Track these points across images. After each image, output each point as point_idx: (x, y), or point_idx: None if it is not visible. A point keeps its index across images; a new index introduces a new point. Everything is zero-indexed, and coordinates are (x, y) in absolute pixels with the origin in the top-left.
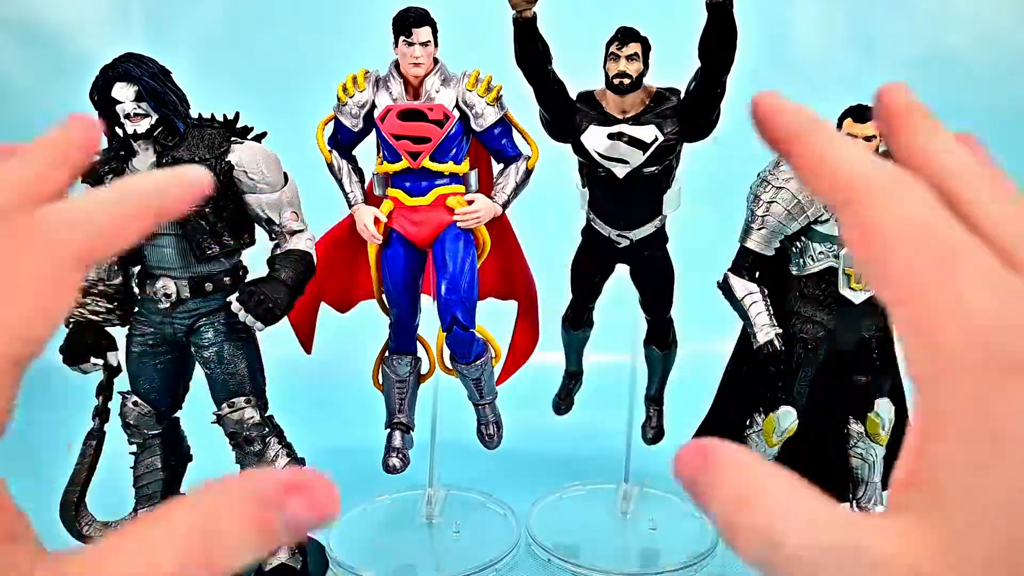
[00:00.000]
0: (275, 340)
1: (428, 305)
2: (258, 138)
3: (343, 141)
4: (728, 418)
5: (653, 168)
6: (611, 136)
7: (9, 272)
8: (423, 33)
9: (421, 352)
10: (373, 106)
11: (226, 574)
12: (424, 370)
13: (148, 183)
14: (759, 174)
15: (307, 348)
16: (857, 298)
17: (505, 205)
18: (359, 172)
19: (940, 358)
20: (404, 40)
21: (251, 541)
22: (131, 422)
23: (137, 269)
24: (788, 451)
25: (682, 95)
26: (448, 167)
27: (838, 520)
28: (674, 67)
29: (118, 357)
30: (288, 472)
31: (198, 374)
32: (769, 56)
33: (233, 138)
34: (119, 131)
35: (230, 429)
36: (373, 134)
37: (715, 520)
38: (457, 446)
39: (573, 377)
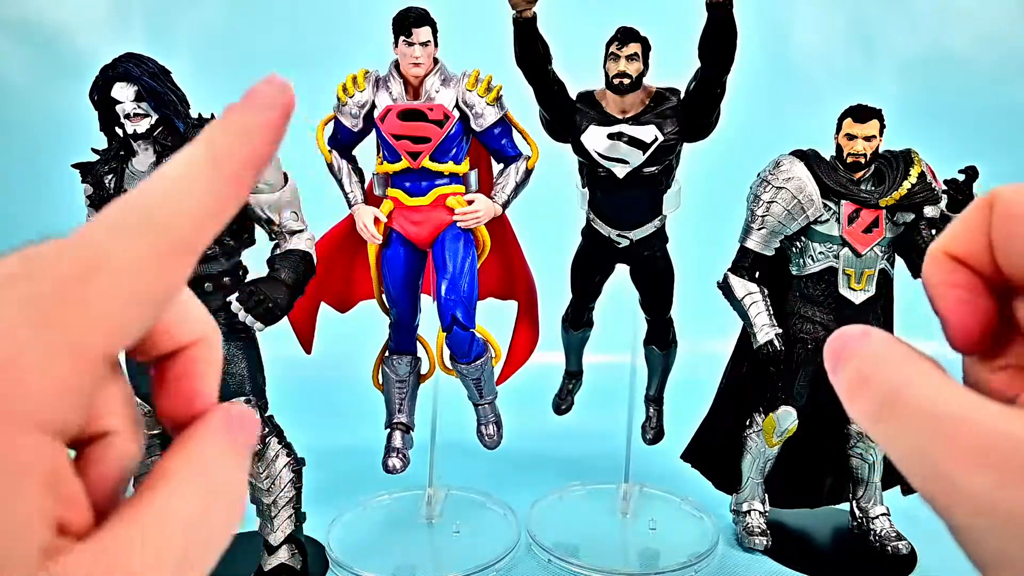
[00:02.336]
0: (275, 340)
1: (428, 305)
2: None
3: (343, 141)
4: (728, 418)
5: (653, 168)
6: (611, 136)
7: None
8: (423, 33)
9: (421, 352)
10: (373, 106)
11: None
12: (424, 370)
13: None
14: (759, 174)
15: (307, 348)
16: (857, 298)
17: (505, 205)
18: (359, 172)
19: None
20: (404, 40)
21: (244, 478)
22: None
23: None
24: (788, 451)
25: (682, 95)
26: (448, 167)
27: (960, 393)
28: (674, 67)
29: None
30: None
31: None
32: (769, 56)
33: None
34: (119, 131)
35: None
36: (373, 134)
37: (844, 379)
38: (457, 446)
39: (573, 377)
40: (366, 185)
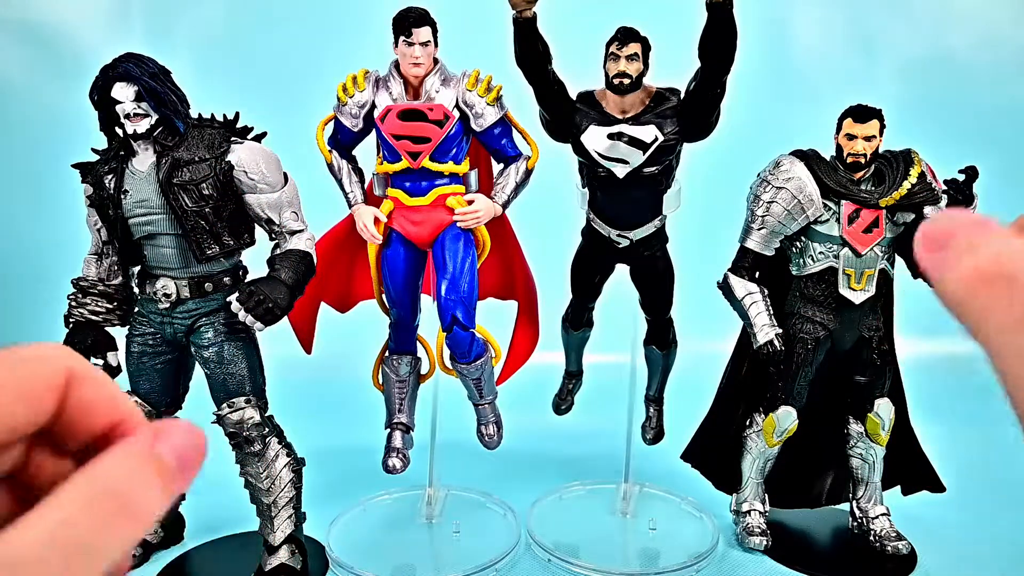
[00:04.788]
0: (275, 340)
1: (428, 305)
2: (258, 138)
3: (343, 141)
4: (728, 418)
5: (653, 168)
6: (611, 136)
7: None
8: (423, 33)
9: (421, 352)
10: (373, 106)
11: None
12: (424, 370)
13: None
14: (759, 174)
15: (307, 348)
16: (857, 298)
17: (505, 205)
18: (359, 172)
19: None
20: (404, 40)
21: (156, 488)
22: None
23: (137, 269)
24: (788, 451)
25: (682, 95)
26: (448, 167)
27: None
28: (674, 67)
29: (118, 357)
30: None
31: (198, 374)
32: (769, 56)
33: (233, 138)
34: (119, 131)
35: (230, 429)
36: (373, 134)
37: (968, 268)
38: (457, 446)
39: (573, 377)
40: (366, 185)
